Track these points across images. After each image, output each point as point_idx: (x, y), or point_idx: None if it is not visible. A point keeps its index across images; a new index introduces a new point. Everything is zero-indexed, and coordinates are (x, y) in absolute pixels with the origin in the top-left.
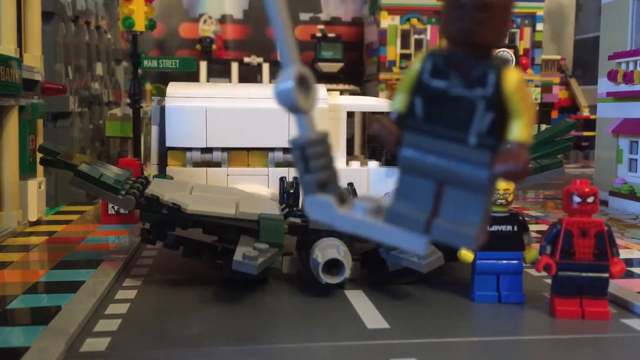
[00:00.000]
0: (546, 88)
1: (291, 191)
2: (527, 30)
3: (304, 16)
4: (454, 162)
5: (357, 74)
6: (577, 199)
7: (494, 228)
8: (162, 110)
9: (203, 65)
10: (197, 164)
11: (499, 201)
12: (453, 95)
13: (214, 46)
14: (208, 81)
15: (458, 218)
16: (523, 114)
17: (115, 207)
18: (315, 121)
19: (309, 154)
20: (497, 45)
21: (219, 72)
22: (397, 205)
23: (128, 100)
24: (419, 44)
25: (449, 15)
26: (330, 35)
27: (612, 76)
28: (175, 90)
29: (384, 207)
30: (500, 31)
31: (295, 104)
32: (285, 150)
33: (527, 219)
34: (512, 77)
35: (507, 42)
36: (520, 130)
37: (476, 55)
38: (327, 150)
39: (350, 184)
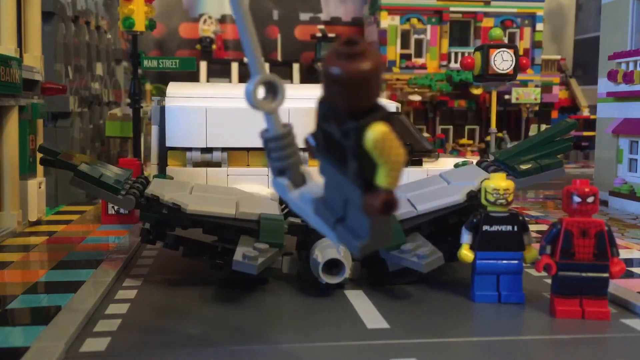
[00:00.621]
0: (546, 88)
1: None
2: (527, 30)
3: (304, 16)
4: (347, 183)
5: None
6: (577, 199)
7: (494, 228)
8: (162, 110)
9: (203, 65)
10: (197, 164)
11: (499, 201)
12: (335, 138)
13: (214, 46)
14: (208, 81)
15: (353, 229)
16: (383, 165)
17: (115, 207)
18: (280, 120)
19: (271, 147)
20: (358, 109)
21: (219, 72)
22: (322, 202)
23: (128, 100)
24: (419, 44)
25: (322, 83)
26: (330, 35)
27: (612, 76)
28: (175, 90)
29: (318, 199)
30: (361, 98)
31: (256, 105)
32: None
33: (527, 219)
34: (372, 135)
35: (507, 42)
36: (380, 177)
37: (347, 113)
38: (288, 144)
39: None
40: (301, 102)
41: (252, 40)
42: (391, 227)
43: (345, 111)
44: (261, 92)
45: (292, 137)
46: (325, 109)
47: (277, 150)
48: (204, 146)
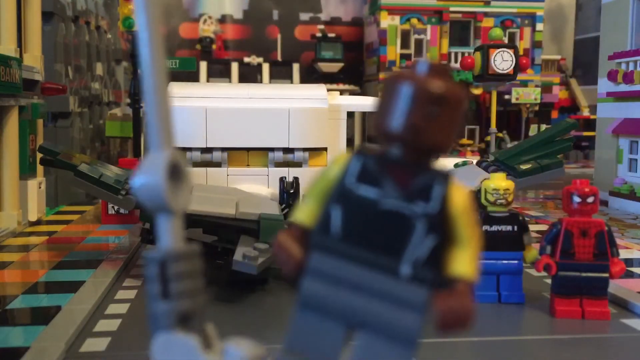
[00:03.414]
0: (546, 88)
1: (291, 191)
2: (527, 30)
3: (304, 16)
4: (375, 299)
5: (357, 74)
6: (577, 199)
7: (494, 228)
8: None
9: (203, 65)
10: (197, 164)
11: (499, 201)
12: (384, 209)
13: (214, 46)
14: (208, 81)
15: None
16: (470, 243)
17: (115, 207)
18: (180, 227)
19: (170, 273)
20: (444, 151)
21: (219, 72)
22: (289, 354)
23: (128, 100)
24: (419, 44)
25: (390, 108)
26: (330, 35)
27: (612, 76)
28: (175, 90)
29: (267, 356)
30: (450, 132)
31: (165, 203)
32: (285, 150)
33: (527, 219)
34: (461, 194)
35: (507, 42)
36: (466, 263)
37: (419, 161)
38: (196, 269)
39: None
40: (301, 102)
41: (159, 100)
42: None
43: (424, 153)
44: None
45: (200, 260)
46: (369, 163)
47: (180, 278)
48: (204, 146)
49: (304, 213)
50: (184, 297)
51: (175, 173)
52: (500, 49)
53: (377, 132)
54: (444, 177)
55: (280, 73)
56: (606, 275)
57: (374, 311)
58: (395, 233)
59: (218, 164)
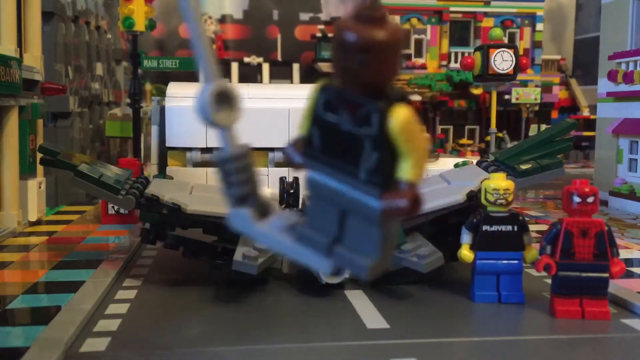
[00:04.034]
0: (546, 88)
1: (291, 191)
2: (527, 30)
3: (304, 16)
4: (350, 192)
5: None
6: (577, 199)
7: (494, 228)
8: (162, 110)
9: None
10: (197, 164)
11: (499, 201)
12: (344, 130)
13: (214, 46)
14: None
15: (356, 247)
16: (410, 154)
17: (115, 207)
18: (237, 137)
19: (228, 169)
20: (385, 84)
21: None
22: (306, 226)
23: (128, 100)
24: (419, 44)
25: (335, 55)
26: (331, 35)
27: (612, 76)
28: (175, 90)
29: (297, 224)
30: (386, 71)
31: (212, 120)
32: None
33: (527, 219)
34: (397, 117)
35: (507, 42)
36: (406, 170)
37: (364, 94)
38: (248, 166)
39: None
40: (301, 102)
41: (203, 41)
42: (395, 241)
43: (365, 89)
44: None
45: (251, 157)
46: (329, 95)
47: (235, 173)
48: (204, 146)
49: (303, 129)
50: (239, 185)
51: (224, 97)
52: (500, 49)
53: (333, 74)
54: (384, 105)
55: (280, 73)
56: (606, 275)
57: (351, 199)
58: (353, 148)
59: None
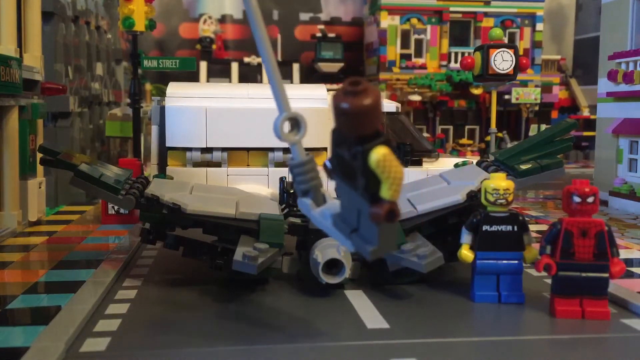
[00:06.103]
0: (546, 88)
1: (291, 191)
2: (527, 30)
3: (304, 16)
4: (358, 199)
5: (357, 74)
6: (577, 199)
7: (494, 228)
8: (162, 110)
9: (203, 65)
10: (197, 164)
11: (499, 201)
12: (346, 161)
13: (214, 46)
14: (208, 81)
15: (365, 236)
16: (386, 180)
17: (115, 207)
18: (303, 149)
19: (295, 172)
20: (366, 133)
21: (219, 72)
22: (338, 215)
23: (128, 100)
24: (419, 44)
25: (334, 115)
26: (330, 35)
27: (612, 76)
28: (175, 90)
29: (336, 213)
30: (367, 125)
31: (282, 138)
32: (285, 150)
33: (527, 219)
34: (375, 156)
35: (507, 42)
36: (385, 190)
37: (355, 138)
38: (310, 169)
39: None
40: (301, 102)
41: (278, 81)
42: (396, 233)
43: (353, 138)
44: (286, 126)
45: (313, 163)
46: (337, 137)
47: (301, 174)
48: (204, 146)
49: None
50: (303, 183)
51: (295, 122)
52: (500, 49)
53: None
54: (367, 147)
55: (280, 73)
56: (606, 275)
57: (359, 202)
58: (352, 172)
59: (218, 164)
